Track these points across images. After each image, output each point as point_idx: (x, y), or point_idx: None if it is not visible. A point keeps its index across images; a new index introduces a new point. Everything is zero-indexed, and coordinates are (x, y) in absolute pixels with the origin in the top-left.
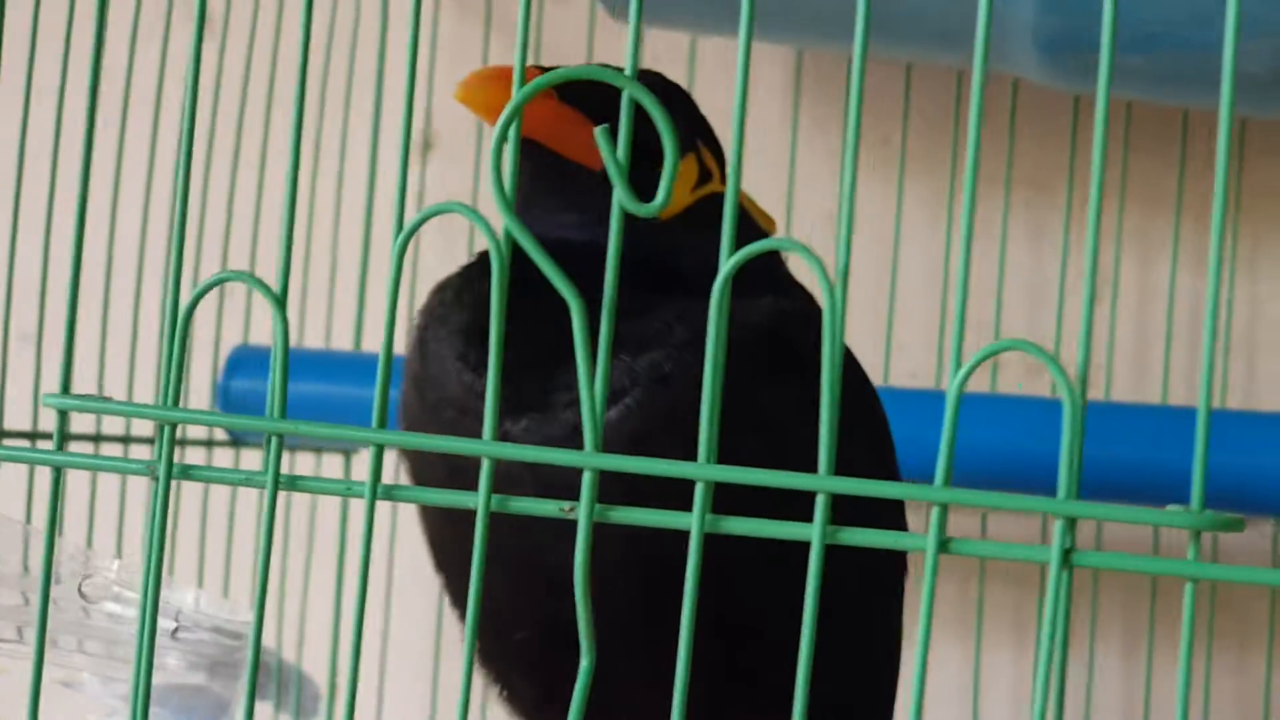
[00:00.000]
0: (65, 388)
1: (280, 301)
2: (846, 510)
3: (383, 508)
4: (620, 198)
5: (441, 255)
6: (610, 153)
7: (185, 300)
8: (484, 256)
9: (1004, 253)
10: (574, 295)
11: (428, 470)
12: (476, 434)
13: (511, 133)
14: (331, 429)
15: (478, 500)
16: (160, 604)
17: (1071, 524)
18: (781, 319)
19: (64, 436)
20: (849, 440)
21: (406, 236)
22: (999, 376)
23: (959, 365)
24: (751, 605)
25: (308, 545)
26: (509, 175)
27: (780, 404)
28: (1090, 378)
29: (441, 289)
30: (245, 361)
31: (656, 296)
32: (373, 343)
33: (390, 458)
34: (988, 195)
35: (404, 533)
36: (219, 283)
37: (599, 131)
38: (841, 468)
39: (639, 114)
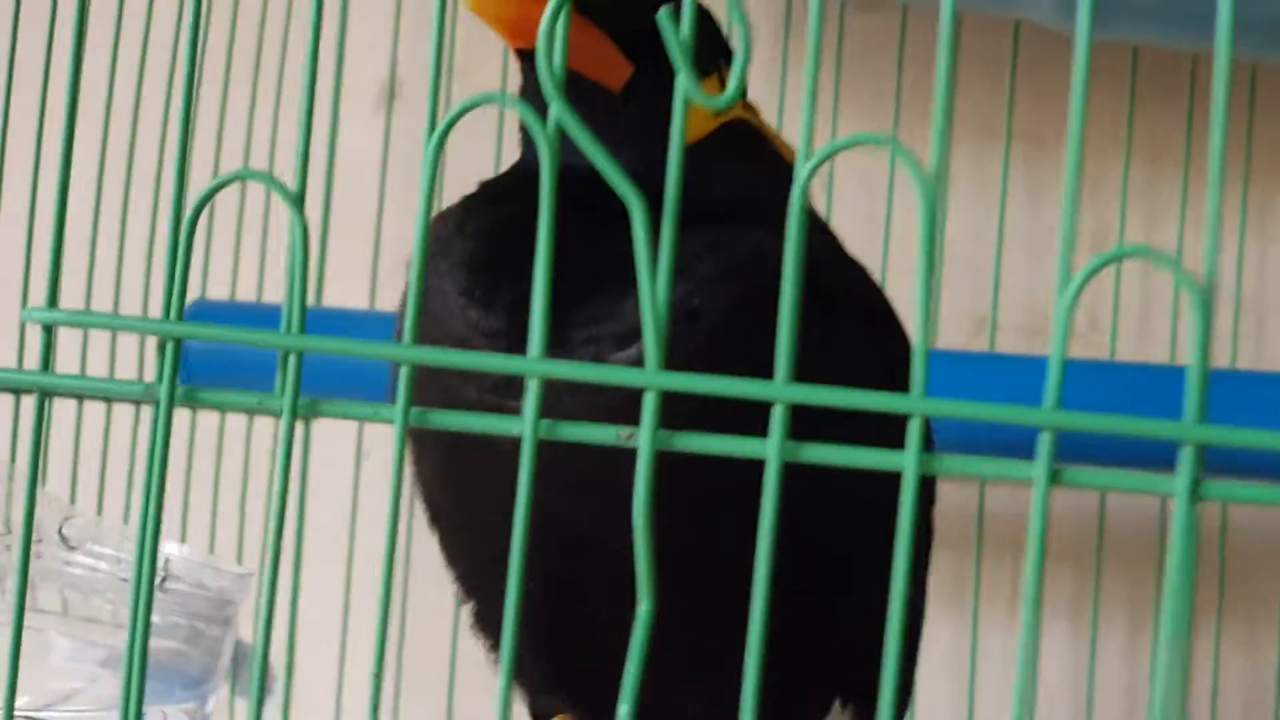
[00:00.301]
0: (52, 300)
1: (298, 201)
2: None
3: (346, 472)
4: (686, 87)
5: (408, 213)
6: (673, 34)
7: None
8: (485, 187)
9: (1004, 208)
10: (635, 195)
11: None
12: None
13: (562, 18)
14: (358, 345)
15: (524, 425)
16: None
17: (1200, 452)
18: (814, 254)
19: (50, 356)
20: (891, 382)
21: (445, 129)
22: (997, 338)
23: (1066, 281)
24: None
25: (264, 512)
26: (558, 57)
27: (809, 347)
28: (1094, 339)
29: (442, 219)
30: (203, 316)
31: (683, 225)
32: (335, 298)
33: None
34: (986, 149)
35: (366, 499)
36: (231, 180)
37: (664, 11)
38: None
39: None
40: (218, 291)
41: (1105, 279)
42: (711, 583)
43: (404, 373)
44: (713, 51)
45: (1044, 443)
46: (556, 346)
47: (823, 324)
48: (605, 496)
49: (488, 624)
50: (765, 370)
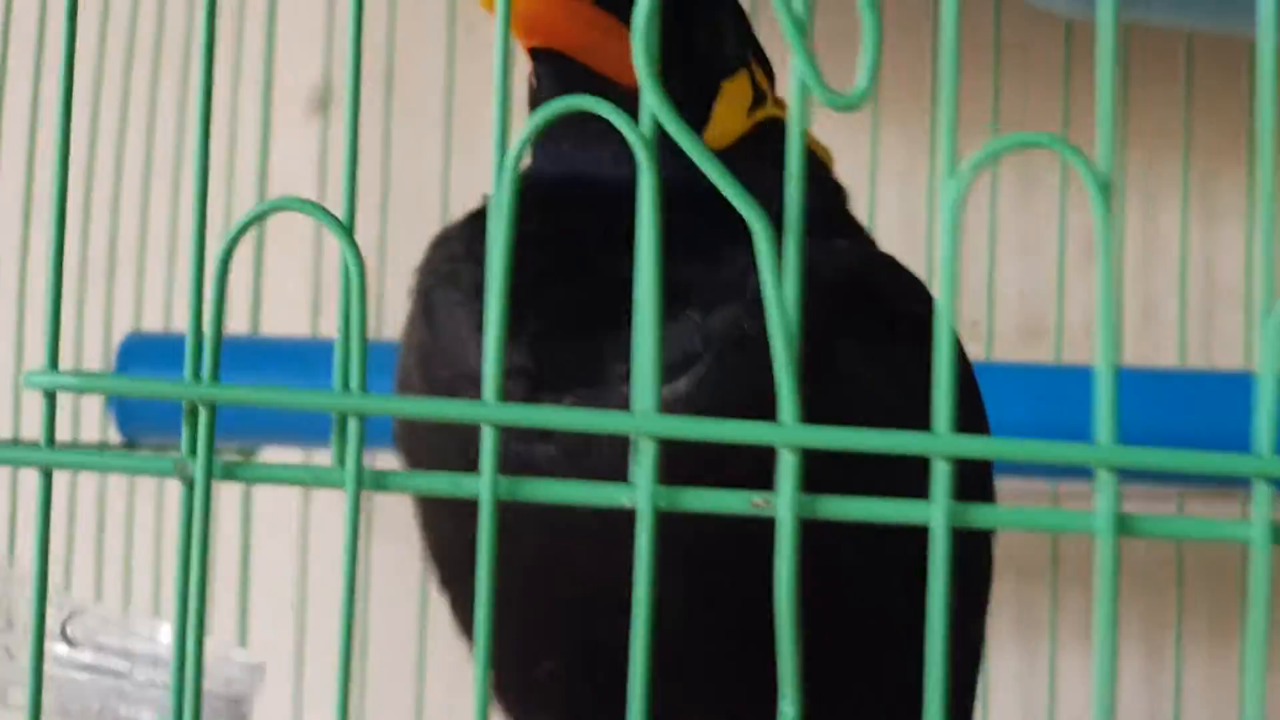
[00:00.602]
0: (53, 363)
1: (348, 231)
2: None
3: (291, 516)
4: (807, 78)
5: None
6: (790, 19)
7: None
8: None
9: (995, 204)
10: (755, 211)
11: (437, 465)
12: None
13: None
14: (428, 405)
15: (637, 495)
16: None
17: None
18: (872, 265)
19: (53, 426)
20: (967, 413)
21: (526, 138)
22: (994, 346)
23: (1271, 302)
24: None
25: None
26: (654, 39)
27: (873, 367)
28: (1094, 343)
29: (445, 241)
30: (140, 351)
31: (720, 240)
32: (272, 325)
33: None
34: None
35: (316, 543)
36: (275, 209)
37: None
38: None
39: (684, 4)
40: (152, 323)
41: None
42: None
43: (488, 435)
44: (740, 43)
45: (1260, 494)
46: (591, 382)
47: (887, 341)
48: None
49: (511, 697)
50: (828, 402)
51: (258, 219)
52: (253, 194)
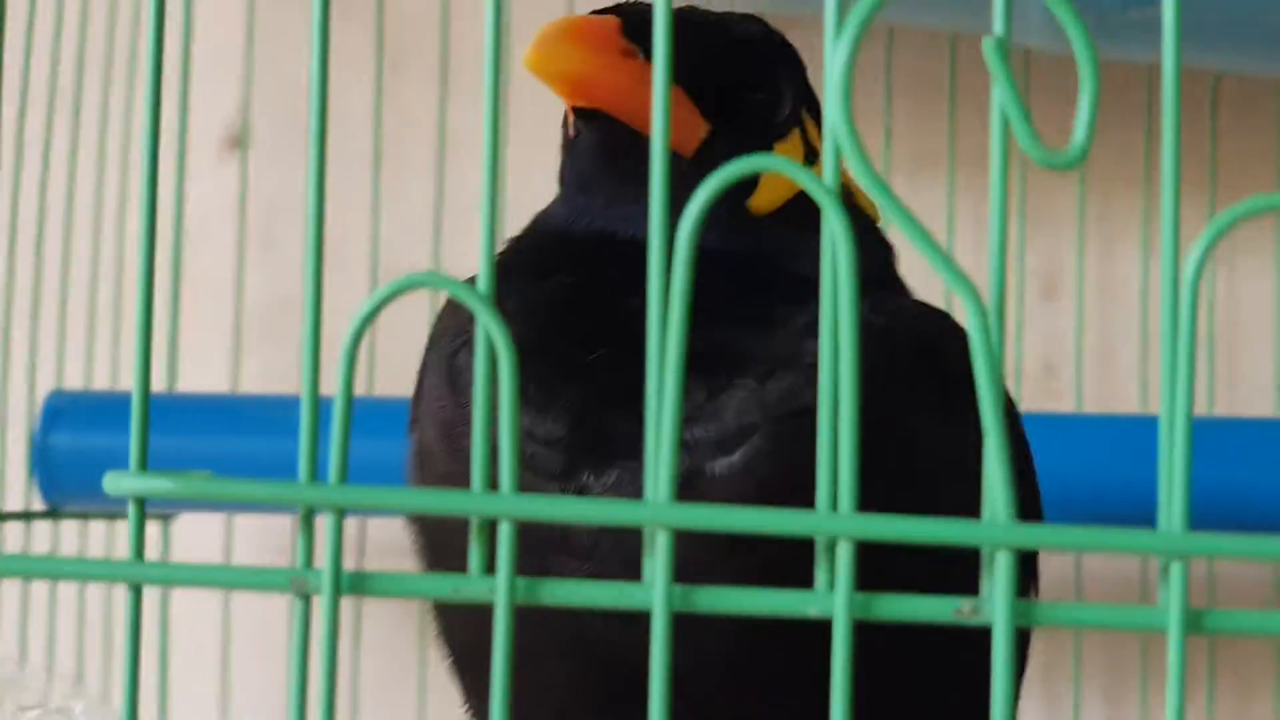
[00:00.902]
0: (141, 464)
1: (488, 303)
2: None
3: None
4: (1018, 133)
5: (269, 277)
6: (1003, 69)
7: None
8: (516, 253)
9: (952, 240)
10: (966, 286)
11: (450, 542)
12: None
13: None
14: (589, 508)
15: (834, 602)
16: None
17: None
18: (938, 326)
19: (142, 538)
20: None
21: (706, 203)
22: None
23: None
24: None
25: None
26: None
27: (944, 439)
28: (1051, 387)
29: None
30: (67, 411)
31: (774, 305)
32: (190, 381)
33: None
34: (927, 175)
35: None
36: (413, 286)
37: (990, 44)
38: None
39: (739, 58)
40: (73, 380)
41: (1061, 321)
42: None
43: (663, 542)
44: (796, 99)
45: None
46: (635, 454)
47: (956, 409)
48: (717, 648)
49: None
50: (889, 478)
51: (386, 301)
52: (169, 234)
